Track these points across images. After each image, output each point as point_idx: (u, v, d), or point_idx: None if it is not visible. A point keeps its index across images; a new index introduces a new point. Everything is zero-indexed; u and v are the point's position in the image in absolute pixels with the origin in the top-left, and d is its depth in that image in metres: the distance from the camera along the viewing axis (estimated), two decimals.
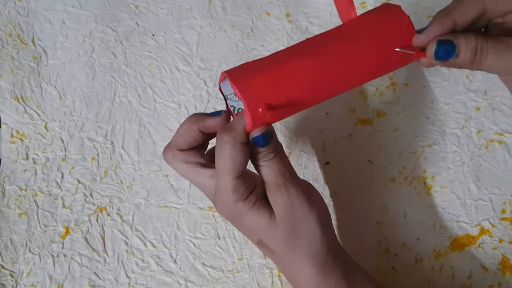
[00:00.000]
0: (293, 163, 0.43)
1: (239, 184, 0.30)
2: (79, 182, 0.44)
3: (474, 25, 0.30)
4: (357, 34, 0.30)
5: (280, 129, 0.45)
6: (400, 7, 0.31)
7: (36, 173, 0.44)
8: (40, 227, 0.43)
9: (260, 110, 0.28)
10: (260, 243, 0.32)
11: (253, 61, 0.30)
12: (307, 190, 0.31)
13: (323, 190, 0.42)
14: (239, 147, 0.29)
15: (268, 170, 0.30)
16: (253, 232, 0.32)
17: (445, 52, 0.29)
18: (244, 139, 0.29)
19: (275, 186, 0.30)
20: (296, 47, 0.31)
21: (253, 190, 0.31)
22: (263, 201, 0.31)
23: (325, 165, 0.43)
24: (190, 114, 0.45)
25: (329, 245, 0.32)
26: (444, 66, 0.30)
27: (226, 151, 0.29)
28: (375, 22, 0.31)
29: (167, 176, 0.44)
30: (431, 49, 0.29)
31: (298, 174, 0.41)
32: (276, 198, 0.30)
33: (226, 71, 0.30)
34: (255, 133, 0.29)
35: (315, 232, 0.31)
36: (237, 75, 0.29)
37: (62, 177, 0.44)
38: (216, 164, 0.30)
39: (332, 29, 0.31)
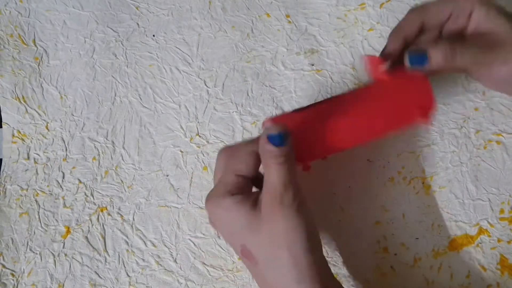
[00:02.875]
0: None
1: (234, 181, 0.32)
2: (80, 181, 0.44)
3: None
4: (381, 95, 0.36)
5: None
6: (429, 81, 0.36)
7: (37, 173, 0.45)
8: (41, 227, 0.43)
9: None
10: (243, 251, 0.32)
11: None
12: (301, 202, 0.31)
13: (322, 190, 0.42)
14: (250, 152, 0.33)
15: (273, 174, 0.31)
16: (236, 235, 0.32)
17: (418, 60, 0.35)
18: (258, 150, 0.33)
19: (271, 188, 0.31)
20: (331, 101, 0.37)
21: (243, 193, 0.32)
22: (251, 200, 0.32)
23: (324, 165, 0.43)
24: (190, 114, 0.46)
25: (316, 265, 0.30)
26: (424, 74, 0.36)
27: (241, 152, 0.33)
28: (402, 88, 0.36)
29: (167, 176, 0.44)
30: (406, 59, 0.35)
31: (298, 175, 0.41)
32: (265, 193, 0.31)
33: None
34: (270, 125, 0.32)
35: (301, 241, 0.30)
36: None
37: (63, 177, 0.44)
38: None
39: (359, 89, 0.38)
